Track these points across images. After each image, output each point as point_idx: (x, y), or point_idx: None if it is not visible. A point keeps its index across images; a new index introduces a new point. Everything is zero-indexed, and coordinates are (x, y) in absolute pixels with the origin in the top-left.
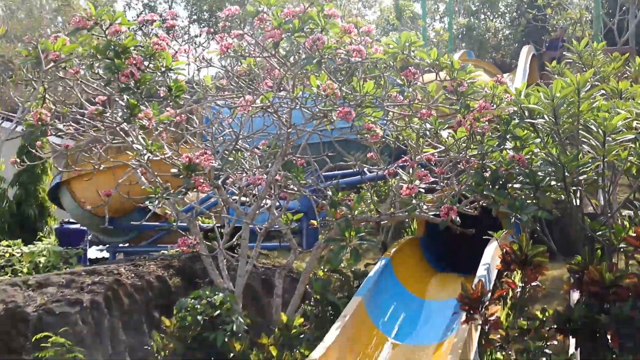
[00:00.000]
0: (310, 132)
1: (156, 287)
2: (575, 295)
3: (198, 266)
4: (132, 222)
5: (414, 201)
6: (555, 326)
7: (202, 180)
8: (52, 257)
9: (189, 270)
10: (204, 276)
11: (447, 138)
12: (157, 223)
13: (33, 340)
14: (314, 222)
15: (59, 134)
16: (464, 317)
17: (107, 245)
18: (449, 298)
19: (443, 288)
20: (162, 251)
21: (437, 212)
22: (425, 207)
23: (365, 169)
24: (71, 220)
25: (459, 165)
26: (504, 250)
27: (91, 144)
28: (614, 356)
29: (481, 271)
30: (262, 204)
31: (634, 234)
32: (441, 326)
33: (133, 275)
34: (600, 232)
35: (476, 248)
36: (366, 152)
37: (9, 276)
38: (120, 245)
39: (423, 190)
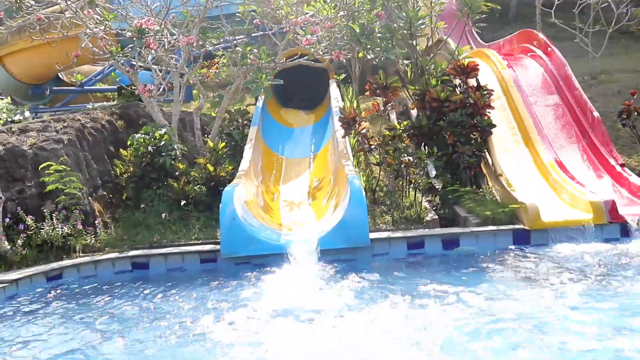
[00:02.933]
0: (227, 4)
1: (108, 129)
2: (392, 116)
3: (132, 112)
4: (53, 88)
5: (312, 49)
6: (409, 132)
7: (151, 40)
8: (9, 113)
9: (127, 116)
10: (137, 119)
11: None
12: (70, 87)
13: (40, 168)
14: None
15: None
16: (343, 132)
17: (29, 107)
18: (306, 125)
19: (299, 119)
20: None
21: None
22: (320, 52)
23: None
24: None
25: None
26: (370, 80)
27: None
28: (450, 148)
29: (334, 102)
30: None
31: (452, 67)
32: (311, 144)
33: (89, 120)
34: (427, 66)
35: (309, 93)
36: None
37: None
38: (40, 107)
39: (316, 40)
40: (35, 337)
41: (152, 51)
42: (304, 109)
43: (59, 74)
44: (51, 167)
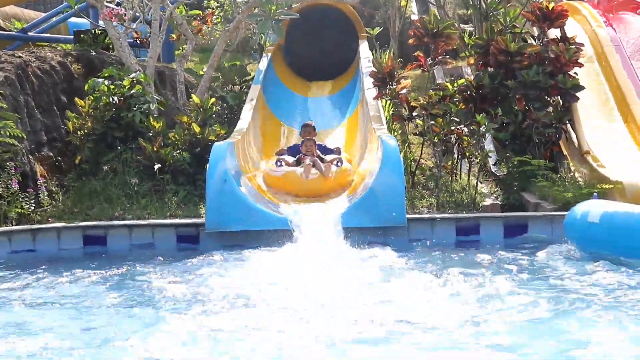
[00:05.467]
0: None
1: (60, 72)
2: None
3: (94, 57)
4: None
5: None
6: (464, 94)
7: None
8: None
9: (86, 60)
10: (100, 66)
11: None
12: (9, 33)
13: None
14: (173, 35)
15: None
16: (375, 93)
17: None
18: (325, 94)
19: (315, 87)
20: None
21: None
22: None
23: None
24: None
25: None
26: (416, 25)
27: None
28: (517, 117)
29: (364, 63)
30: None
31: (529, 11)
32: (330, 116)
33: (34, 59)
34: (494, 11)
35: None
36: None
37: None
38: None
39: None
40: None
41: None
42: (323, 79)
43: None
44: None
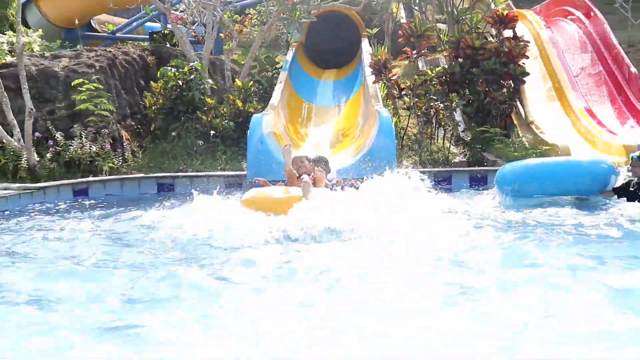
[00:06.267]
0: None
1: (139, 63)
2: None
3: (163, 51)
4: (86, 33)
5: None
6: (441, 79)
7: None
8: (43, 46)
9: (158, 53)
10: (168, 58)
11: None
12: (105, 34)
13: (72, 85)
14: (222, 34)
15: None
16: (374, 79)
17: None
18: (335, 79)
19: (328, 73)
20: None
21: None
22: None
23: None
24: None
25: None
26: (404, 27)
27: None
28: (480, 96)
29: (366, 55)
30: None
31: (489, 16)
32: (339, 95)
33: (121, 53)
34: (463, 16)
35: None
36: None
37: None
38: None
39: None
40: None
41: None
42: (334, 67)
43: (91, 22)
44: (83, 86)
